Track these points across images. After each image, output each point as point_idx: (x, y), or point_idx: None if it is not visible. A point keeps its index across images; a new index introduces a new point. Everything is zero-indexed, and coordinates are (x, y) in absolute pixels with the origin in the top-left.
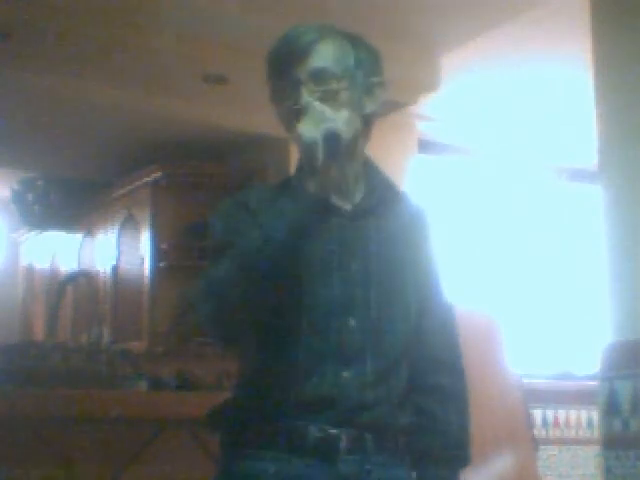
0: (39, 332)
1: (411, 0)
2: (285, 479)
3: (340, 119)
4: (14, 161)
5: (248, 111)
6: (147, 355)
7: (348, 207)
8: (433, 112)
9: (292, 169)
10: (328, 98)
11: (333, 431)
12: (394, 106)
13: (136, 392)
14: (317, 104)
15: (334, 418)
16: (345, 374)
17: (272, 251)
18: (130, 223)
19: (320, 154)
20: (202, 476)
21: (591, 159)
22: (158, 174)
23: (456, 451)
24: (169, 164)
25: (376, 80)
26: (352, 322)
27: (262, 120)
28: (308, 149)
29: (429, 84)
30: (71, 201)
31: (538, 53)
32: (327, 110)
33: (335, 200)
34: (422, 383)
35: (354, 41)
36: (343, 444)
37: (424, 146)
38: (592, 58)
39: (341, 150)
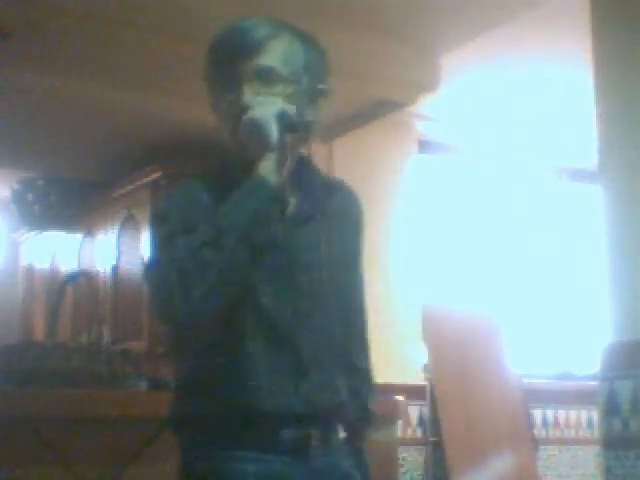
0: (39, 332)
1: (411, 0)
2: (257, 478)
3: (290, 109)
4: (14, 161)
5: None
6: (147, 355)
7: (287, 212)
8: (432, 112)
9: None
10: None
11: (298, 431)
12: (394, 106)
13: (136, 392)
14: (263, 98)
15: (295, 423)
16: (302, 383)
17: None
18: (130, 223)
19: (274, 131)
20: None
21: (591, 159)
22: (158, 174)
23: (367, 417)
24: (169, 164)
25: (321, 88)
26: (305, 332)
27: None
28: (260, 128)
29: (429, 84)
30: (71, 201)
31: (538, 53)
32: (278, 101)
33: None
34: (354, 368)
35: (305, 40)
36: (311, 443)
37: (424, 146)
38: (592, 58)
39: (296, 127)
